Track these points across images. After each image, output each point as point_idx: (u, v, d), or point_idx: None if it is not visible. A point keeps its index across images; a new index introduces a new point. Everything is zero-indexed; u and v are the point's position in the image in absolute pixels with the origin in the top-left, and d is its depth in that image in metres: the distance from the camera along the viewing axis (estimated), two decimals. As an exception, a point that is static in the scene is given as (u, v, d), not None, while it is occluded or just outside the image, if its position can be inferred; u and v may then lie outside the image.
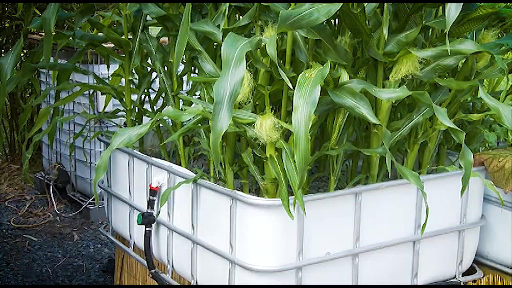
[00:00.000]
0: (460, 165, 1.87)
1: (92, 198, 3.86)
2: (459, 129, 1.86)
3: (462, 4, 1.56)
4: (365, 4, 1.89)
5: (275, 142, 1.84)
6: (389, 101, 1.98)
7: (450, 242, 2.20)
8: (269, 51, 1.66)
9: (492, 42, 2.14)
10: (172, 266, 2.20)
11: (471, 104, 2.50)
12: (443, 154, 2.43)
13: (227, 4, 1.85)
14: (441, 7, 2.04)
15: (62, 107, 2.89)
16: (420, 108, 2.06)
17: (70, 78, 2.74)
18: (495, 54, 1.94)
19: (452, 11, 1.55)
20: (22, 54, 4.17)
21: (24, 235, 3.71)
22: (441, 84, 2.08)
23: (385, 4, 1.88)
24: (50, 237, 3.68)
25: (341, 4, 1.62)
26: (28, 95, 5.08)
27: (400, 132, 2.07)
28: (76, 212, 3.95)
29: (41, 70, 4.19)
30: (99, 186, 2.56)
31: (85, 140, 3.18)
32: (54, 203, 4.03)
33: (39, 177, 4.39)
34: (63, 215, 3.97)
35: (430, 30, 2.12)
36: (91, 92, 3.13)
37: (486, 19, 2.02)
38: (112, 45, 2.64)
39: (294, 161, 1.60)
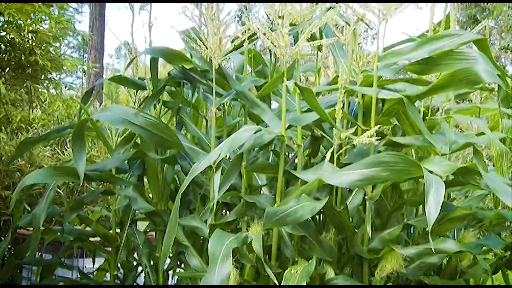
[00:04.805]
0: None
1: None
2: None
3: (441, 204, 1.61)
4: (348, 202, 1.97)
5: None
6: (376, 300, 1.96)
7: None
8: (255, 247, 1.68)
9: (473, 242, 2.18)
10: None
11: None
12: None
13: (215, 201, 1.90)
14: (421, 206, 2.12)
15: (42, 302, 2.80)
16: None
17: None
18: (477, 254, 1.97)
19: (433, 211, 1.60)
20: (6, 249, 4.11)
21: None
22: (427, 283, 2.07)
23: (367, 202, 1.95)
24: None
25: (324, 202, 1.68)
26: (7, 291, 4.92)
27: None
28: None
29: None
30: None
31: None
32: None
33: None
34: None
35: (412, 227, 2.17)
36: None
37: (465, 219, 2.09)
38: (99, 238, 2.65)
39: None
